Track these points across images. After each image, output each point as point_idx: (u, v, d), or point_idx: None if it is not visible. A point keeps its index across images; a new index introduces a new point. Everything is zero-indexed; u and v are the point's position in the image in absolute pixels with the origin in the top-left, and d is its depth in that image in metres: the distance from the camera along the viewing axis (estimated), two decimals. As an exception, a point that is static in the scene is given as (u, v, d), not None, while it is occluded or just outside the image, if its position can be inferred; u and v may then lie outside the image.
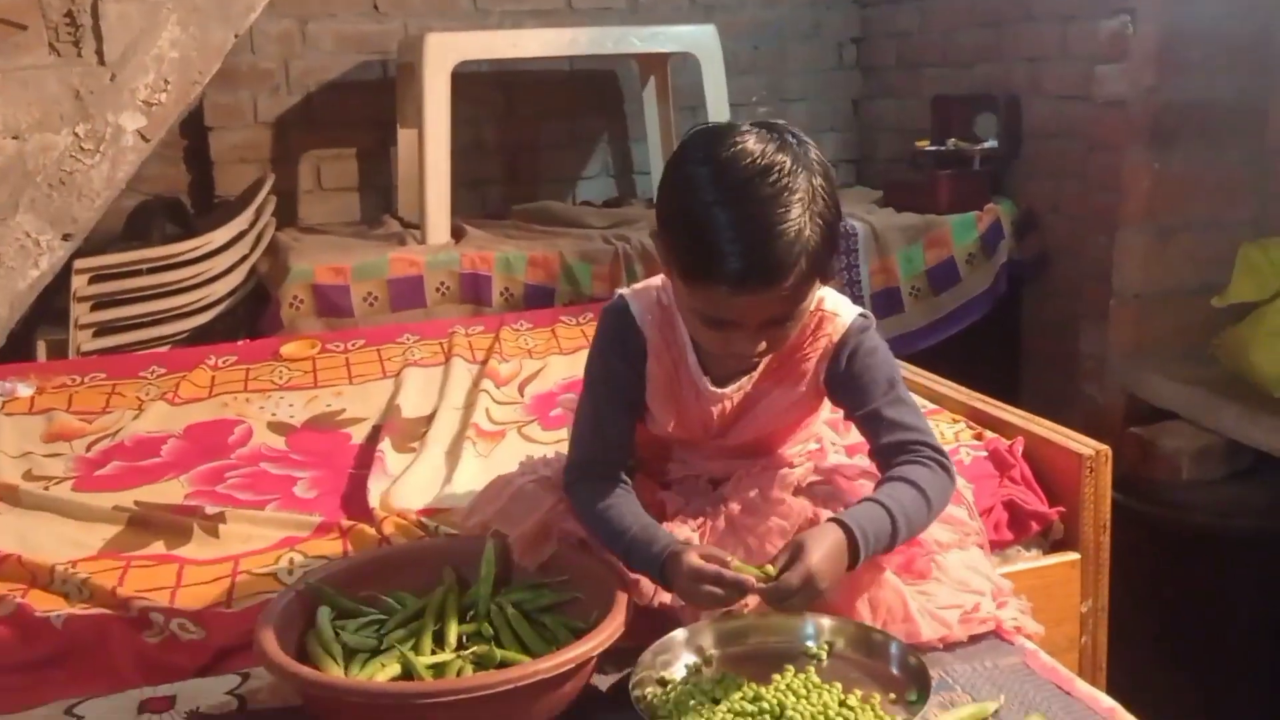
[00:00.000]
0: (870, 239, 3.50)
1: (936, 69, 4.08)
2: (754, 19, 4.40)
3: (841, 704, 1.28)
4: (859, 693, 1.31)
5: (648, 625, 1.40)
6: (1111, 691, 1.59)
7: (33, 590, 1.64)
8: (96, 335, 3.14)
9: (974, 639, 1.46)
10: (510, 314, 3.12)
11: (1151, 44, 2.76)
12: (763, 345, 1.42)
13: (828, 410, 1.65)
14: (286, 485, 2.05)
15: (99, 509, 1.92)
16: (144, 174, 3.32)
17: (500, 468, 1.83)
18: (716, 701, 1.30)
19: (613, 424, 1.55)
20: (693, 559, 1.35)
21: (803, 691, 1.31)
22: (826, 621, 1.42)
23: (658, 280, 1.56)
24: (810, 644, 1.41)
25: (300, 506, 1.96)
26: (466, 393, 2.46)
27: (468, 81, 3.60)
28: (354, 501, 1.96)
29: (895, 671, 1.35)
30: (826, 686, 1.32)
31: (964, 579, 1.51)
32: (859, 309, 1.55)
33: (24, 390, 2.55)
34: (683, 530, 1.50)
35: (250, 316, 3.37)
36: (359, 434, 2.30)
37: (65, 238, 2.98)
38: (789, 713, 1.26)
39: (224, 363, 2.74)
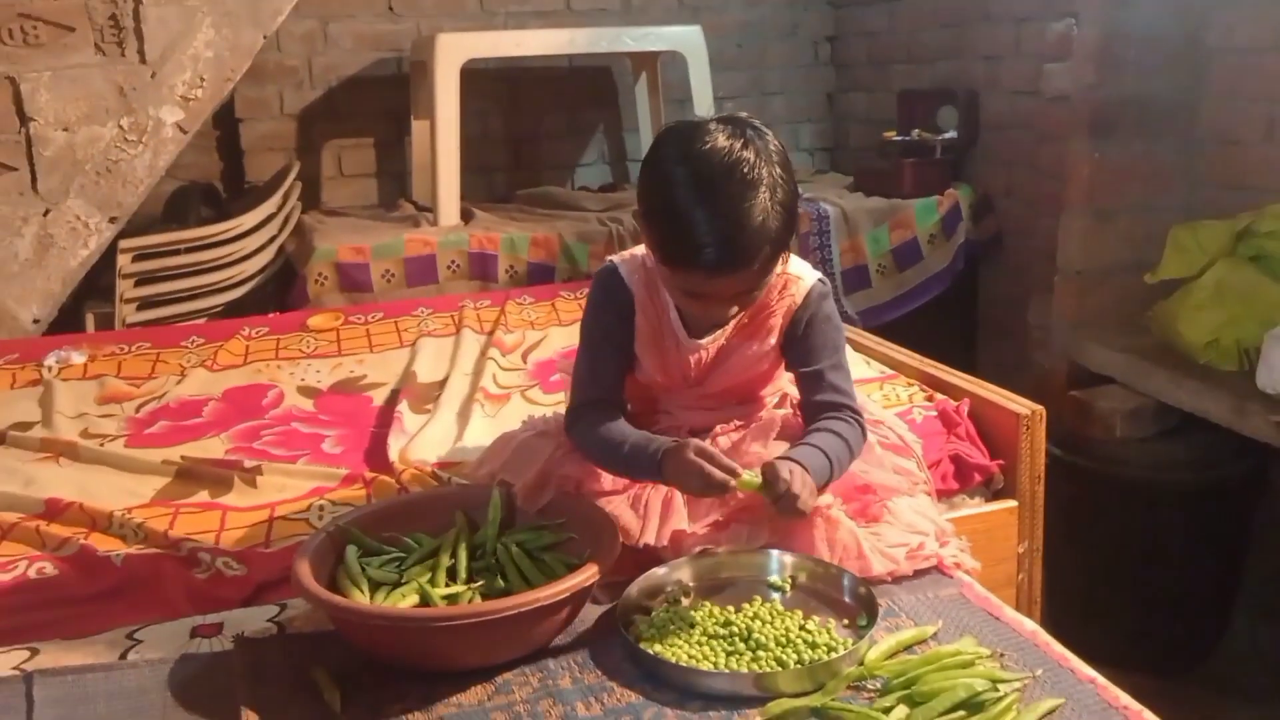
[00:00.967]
0: (841, 221, 3.53)
1: (903, 66, 4.10)
2: (737, 19, 4.42)
3: (801, 627, 1.34)
4: (816, 619, 1.37)
5: (633, 562, 1.45)
6: (1047, 623, 1.66)
7: (94, 533, 1.67)
8: (140, 309, 3.17)
9: (918, 573, 1.50)
10: (515, 289, 3.13)
11: (1093, 45, 2.77)
12: (734, 309, 1.51)
13: None
14: (315, 442, 2.07)
15: (149, 462, 1.94)
16: (181, 162, 3.35)
17: (505, 426, 1.86)
18: (693, 626, 1.35)
19: (606, 370, 1.62)
20: (687, 452, 1.42)
21: (768, 617, 1.37)
22: (789, 558, 1.47)
23: (641, 249, 1.61)
24: (775, 577, 1.47)
25: (328, 461, 1.97)
26: (475, 360, 2.47)
27: (475, 77, 3.63)
28: (376, 456, 1.98)
29: (848, 600, 1.42)
30: (788, 613, 1.37)
31: (911, 522, 1.56)
32: (818, 274, 1.62)
33: (77, 358, 2.57)
34: None
35: (279, 292, 3.40)
36: (379, 397, 2.31)
37: (111, 220, 3.03)
38: (756, 635, 1.32)
39: (257, 333, 2.76)
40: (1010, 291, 3.52)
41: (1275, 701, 2.51)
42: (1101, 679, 1.25)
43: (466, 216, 3.56)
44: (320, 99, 4.03)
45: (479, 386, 2.28)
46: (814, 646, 1.30)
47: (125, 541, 1.65)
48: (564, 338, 2.63)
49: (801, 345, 1.60)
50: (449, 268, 3.34)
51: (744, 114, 1.46)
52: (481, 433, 2.01)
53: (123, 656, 1.38)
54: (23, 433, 2.12)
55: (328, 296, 3.23)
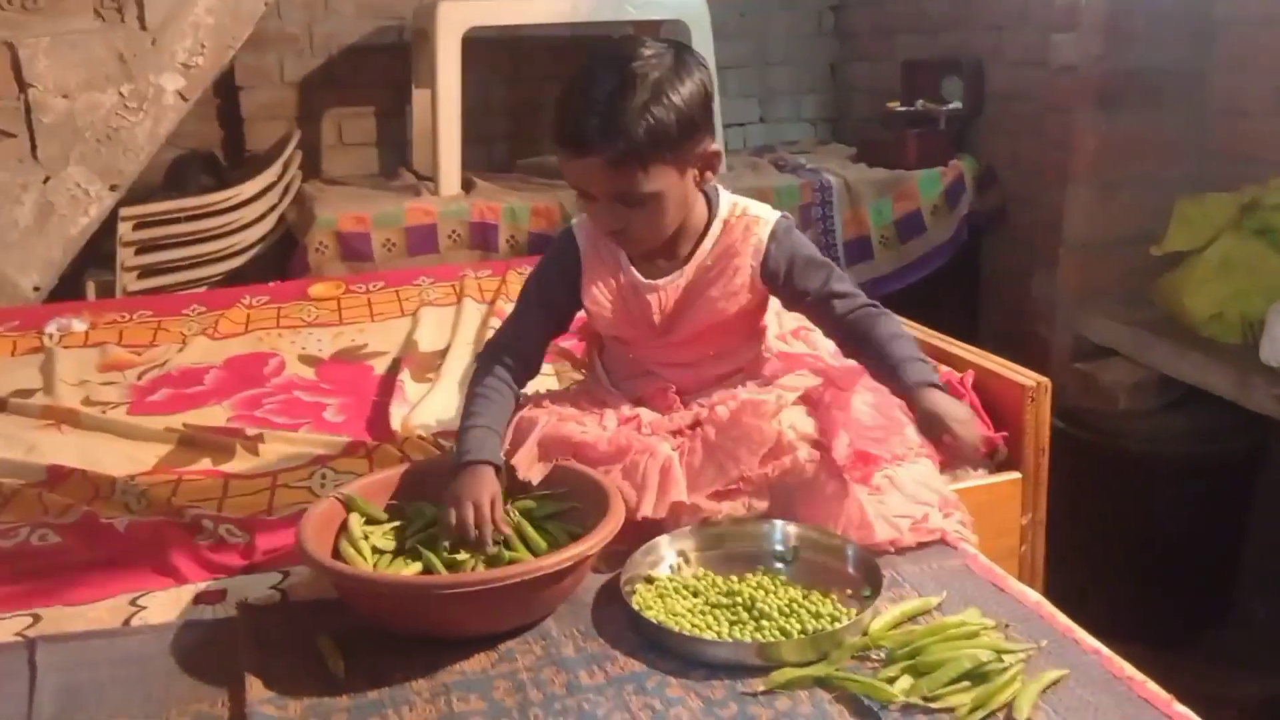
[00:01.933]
0: (844, 191, 3.53)
1: (907, 35, 4.07)
2: (740, -13, 4.37)
3: (805, 597, 1.34)
4: (820, 590, 1.36)
5: (636, 531, 1.44)
6: (1050, 595, 1.65)
7: (97, 500, 1.67)
8: (141, 277, 3.17)
9: (922, 545, 1.49)
10: (515, 259, 3.13)
11: (1100, 15, 2.76)
12: (621, 224, 1.48)
13: (774, 321, 1.72)
14: (317, 411, 2.07)
15: (152, 430, 1.94)
16: (181, 130, 3.33)
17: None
18: (696, 595, 1.35)
19: (526, 321, 1.64)
20: (482, 493, 1.39)
21: (771, 587, 1.36)
22: (792, 528, 1.46)
23: None
24: (779, 547, 1.46)
25: (330, 429, 1.98)
26: (476, 330, 2.47)
27: (477, 46, 3.60)
28: (377, 425, 1.98)
29: (852, 571, 1.40)
30: (792, 584, 1.37)
31: (915, 493, 1.54)
32: (779, 212, 1.61)
33: (78, 325, 2.58)
34: (663, 446, 1.51)
35: (280, 260, 3.39)
36: (380, 366, 2.32)
37: (112, 188, 3.02)
38: (759, 604, 1.31)
39: (258, 302, 2.76)
40: (1014, 264, 3.51)
41: (1277, 672, 2.52)
42: (1106, 650, 1.24)
43: (468, 186, 3.55)
44: (321, 67, 4.01)
45: (481, 356, 2.27)
46: (818, 616, 1.30)
47: (128, 508, 1.65)
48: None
49: (795, 285, 1.59)
50: (450, 237, 3.34)
51: (690, 47, 1.47)
52: (483, 402, 2.00)
53: (126, 623, 1.38)
54: (24, 400, 2.12)
55: (328, 266, 3.23)
